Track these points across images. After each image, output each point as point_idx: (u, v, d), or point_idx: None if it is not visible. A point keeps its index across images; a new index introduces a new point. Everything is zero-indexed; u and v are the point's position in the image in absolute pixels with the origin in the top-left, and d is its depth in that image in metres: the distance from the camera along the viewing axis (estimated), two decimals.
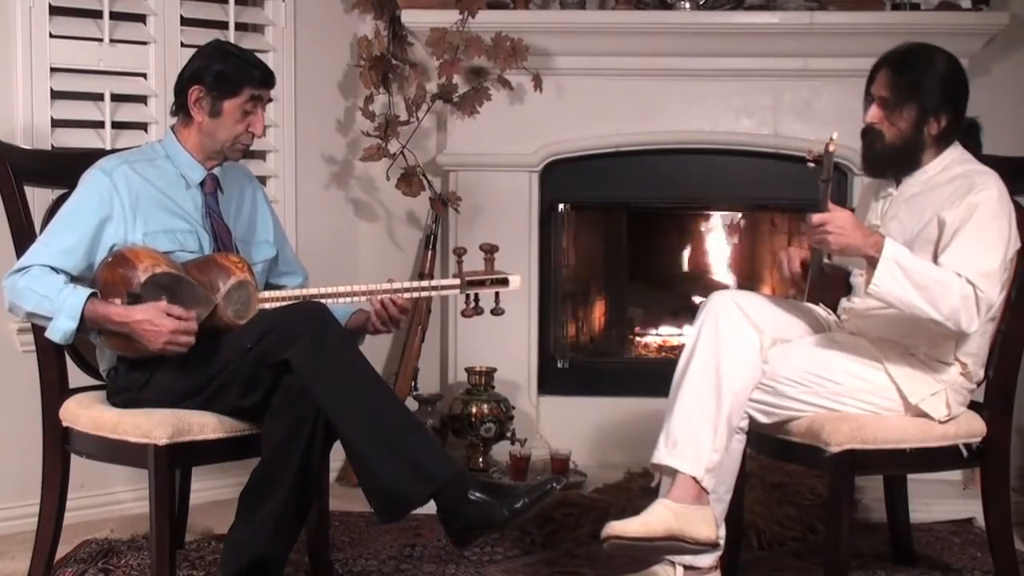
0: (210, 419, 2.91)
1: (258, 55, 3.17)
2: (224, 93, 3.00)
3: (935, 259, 2.90)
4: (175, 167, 3.06)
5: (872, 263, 2.83)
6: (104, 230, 2.94)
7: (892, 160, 3.03)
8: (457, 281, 3.05)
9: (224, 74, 2.99)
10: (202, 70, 3.01)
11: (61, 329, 2.84)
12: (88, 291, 2.85)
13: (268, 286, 3.18)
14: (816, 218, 2.86)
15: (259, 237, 3.20)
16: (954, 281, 2.82)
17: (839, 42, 4.23)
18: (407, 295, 3.04)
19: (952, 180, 2.97)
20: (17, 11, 3.61)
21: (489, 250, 3.08)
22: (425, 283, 3.13)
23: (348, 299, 3.01)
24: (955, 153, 3.03)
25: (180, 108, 3.05)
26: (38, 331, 2.99)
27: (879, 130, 3.00)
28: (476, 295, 3.06)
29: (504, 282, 3.06)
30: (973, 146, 3.09)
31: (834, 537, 2.92)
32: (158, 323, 2.79)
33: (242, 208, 3.17)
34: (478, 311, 3.07)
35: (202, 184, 3.07)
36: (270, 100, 3.11)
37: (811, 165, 2.91)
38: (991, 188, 2.91)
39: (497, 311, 3.08)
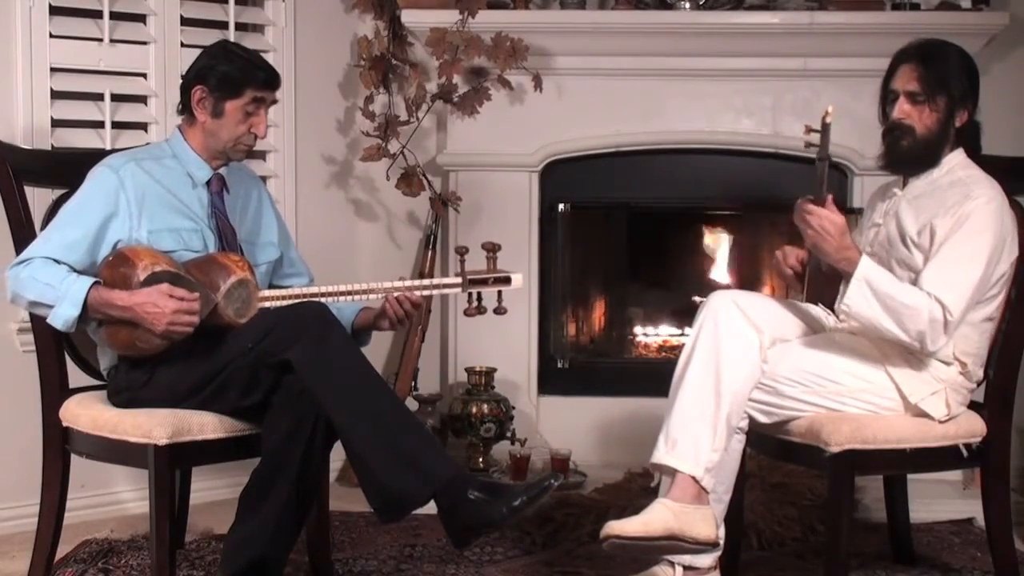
0: (210, 419, 2.91)
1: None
2: (226, 94, 3.00)
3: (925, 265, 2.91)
4: (182, 166, 3.06)
5: (847, 279, 2.84)
6: (109, 226, 2.94)
7: (919, 156, 3.01)
8: (459, 280, 3.03)
9: (227, 75, 2.99)
10: (206, 70, 3.01)
11: (63, 316, 2.84)
12: (92, 279, 2.85)
13: (273, 288, 3.16)
14: (808, 207, 2.87)
15: (263, 238, 3.20)
16: (924, 304, 2.83)
17: (839, 42, 4.23)
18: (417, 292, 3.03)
19: (952, 185, 2.97)
20: (17, 11, 3.62)
21: (491, 249, 3.06)
22: (427, 281, 3.12)
23: (349, 298, 3.00)
24: (960, 157, 3.03)
25: (185, 107, 3.06)
26: (38, 331, 3.00)
27: (909, 125, 2.98)
28: (479, 294, 3.05)
29: (506, 280, 3.04)
30: (973, 145, 3.08)
31: (834, 537, 2.91)
32: (160, 305, 2.79)
33: (248, 209, 3.17)
34: (481, 310, 3.05)
35: (208, 183, 3.08)
36: (275, 102, 3.10)
37: (807, 141, 2.89)
38: (983, 198, 2.90)
39: (500, 310, 3.06)
